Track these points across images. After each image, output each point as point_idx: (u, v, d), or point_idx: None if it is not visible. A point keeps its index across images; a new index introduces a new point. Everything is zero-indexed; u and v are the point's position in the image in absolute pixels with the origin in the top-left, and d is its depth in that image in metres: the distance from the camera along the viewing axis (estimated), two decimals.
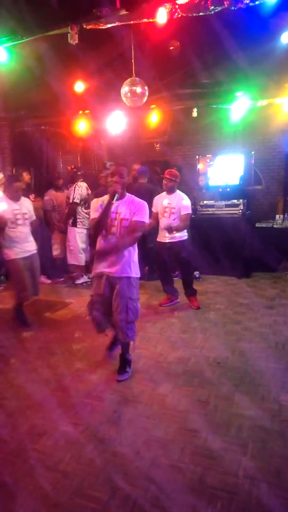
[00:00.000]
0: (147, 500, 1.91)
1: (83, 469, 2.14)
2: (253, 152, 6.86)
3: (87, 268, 6.09)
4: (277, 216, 6.43)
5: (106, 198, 2.96)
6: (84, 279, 5.99)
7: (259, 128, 7.09)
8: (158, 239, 4.69)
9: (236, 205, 6.25)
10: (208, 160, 7.17)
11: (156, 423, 2.51)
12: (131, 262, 3.03)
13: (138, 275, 3.11)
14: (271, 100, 6.11)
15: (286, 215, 6.42)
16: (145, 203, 3.06)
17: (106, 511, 1.87)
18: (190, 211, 4.56)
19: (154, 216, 4.63)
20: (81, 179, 5.93)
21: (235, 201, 6.31)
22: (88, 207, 5.92)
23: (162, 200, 4.61)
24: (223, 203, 6.36)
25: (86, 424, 2.53)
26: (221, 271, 5.97)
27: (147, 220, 3.07)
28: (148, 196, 5.86)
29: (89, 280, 6.02)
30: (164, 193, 4.66)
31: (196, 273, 5.65)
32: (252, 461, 2.14)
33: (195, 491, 1.95)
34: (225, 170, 6.98)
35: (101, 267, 3.03)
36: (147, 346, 3.67)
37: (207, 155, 7.18)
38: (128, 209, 2.99)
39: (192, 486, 1.98)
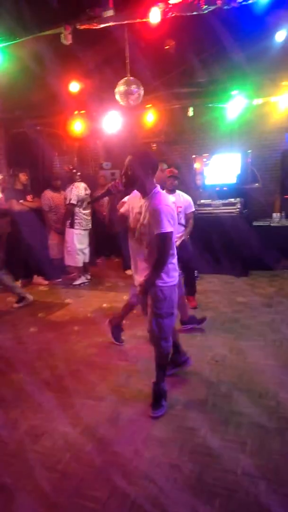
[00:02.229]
0: (146, 499, 1.91)
1: (82, 469, 2.14)
2: (249, 151, 6.88)
3: (85, 269, 6.10)
4: (275, 215, 6.44)
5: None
6: (81, 280, 5.99)
7: (255, 126, 7.10)
8: None
9: (233, 204, 6.26)
10: (204, 159, 7.17)
11: (155, 422, 2.52)
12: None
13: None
14: (266, 99, 6.13)
15: (283, 214, 6.43)
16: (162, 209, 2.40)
17: (105, 511, 1.87)
18: (194, 209, 4.59)
19: None
20: (79, 180, 5.93)
21: (232, 200, 6.32)
22: (86, 208, 5.93)
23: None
24: (220, 202, 6.37)
25: (85, 424, 2.53)
26: (219, 270, 5.98)
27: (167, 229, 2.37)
28: None
29: (87, 281, 6.03)
30: (165, 192, 4.62)
31: (195, 272, 5.65)
32: (250, 458, 2.15)
33: (194, 489, 1.95)
34: (222, 169, 6.98)
35: None
36: (144, 346, 3.66)
37: (204, 154, 7.18)
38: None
39: (191, 484, 1.99)
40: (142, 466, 2.14)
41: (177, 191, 4.59)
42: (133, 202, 2.58)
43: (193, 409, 2.64)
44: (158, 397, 2.65)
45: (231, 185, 6.81)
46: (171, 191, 4.55)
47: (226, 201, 6.34)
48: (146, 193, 2.48)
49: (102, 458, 2.22)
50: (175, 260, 2.59)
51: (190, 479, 2.03)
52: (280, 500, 1.87)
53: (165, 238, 2.38)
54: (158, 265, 2.43)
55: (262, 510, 1.83)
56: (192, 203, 4.59)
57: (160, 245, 2.40)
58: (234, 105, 6.17)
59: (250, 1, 2.97)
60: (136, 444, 2.32)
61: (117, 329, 3.75)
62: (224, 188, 6.76)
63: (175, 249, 2.58)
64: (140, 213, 2.49)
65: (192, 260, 4.69)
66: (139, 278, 2.57)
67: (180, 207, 4.48)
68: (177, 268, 2.63)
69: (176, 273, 2.59)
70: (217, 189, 6.84)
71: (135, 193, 2.58)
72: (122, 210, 2.67)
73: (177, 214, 4.41)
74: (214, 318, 4.31)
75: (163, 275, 2.49)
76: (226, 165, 6.96)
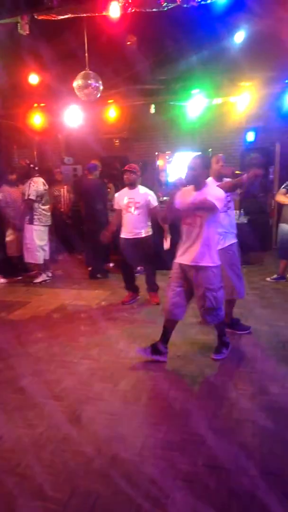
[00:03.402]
0: (108, 498, 1.91)
1: (42, 471, 2.10)
2: (210, 149, 7.02)
3: (46, 266, 5.96)
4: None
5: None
6: (43, 277, 5.85)
7: (215, 125, 7.26)
8: (122, 236, 4.61)
9: None
10: (167, 157, 7.24)
11: (117, 420, 2.52)
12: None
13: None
14: (226, 99, 6.28)
15: (241, 211, 6.63)
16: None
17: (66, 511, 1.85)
18: (156, 204, 4.57)
19: (118, 213, 4.61)
20: (37, 174, 5.78)
21: None
22: (45, 203, 5.78)
23: (124, 196, 4.56)
24: None
25: (46, 425, 2.48)
26: None
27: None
28: (96, 192, 5.85)
29: (48, 278, 5.90)
30: (126, 188, 4.61)
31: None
32: (211, 450, 2.20)
33: (154, 484, 1.97)
34: (184, 167, 7.07)
35: None
36: (108, 343, 3.66)
37: (167, 152, 7.25)
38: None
39: (151, 479, 2.01)
40: (104, 464, 2.13)
41: (140, 187, 4.59)
42: (183, 196, 3.07)
43: (155, 404, 2.67)
44: (220, 345, 3.30)
45: (170, 184, 6.91)
46: (130, 186, 4.54)
47: None
48: (200, 187, 3.05)
49: (63, 458, 2.19)
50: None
51: (152, 474, 2.04)
52: (250, 488, 1.93)
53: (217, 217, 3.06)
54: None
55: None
56: (154, 198, 4.56)
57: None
58: (195, 103, 6.27)
59: (208, 1, 3.01)
60: (98, 443, 2.30)
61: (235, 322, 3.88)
62: (187, 186, 6.85)
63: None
64: (193, 203, 2.99)
65: (154, 256, 4.72)
66: (188, 256, 3.06)
67: (138, 202, 4.47)
68: None
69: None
70: None
71: (185, 189, 3.11)
72: (176, 204, 3.10)
73: (135, 210, 4.45)
74: None
75: (214, 256, 3.05)
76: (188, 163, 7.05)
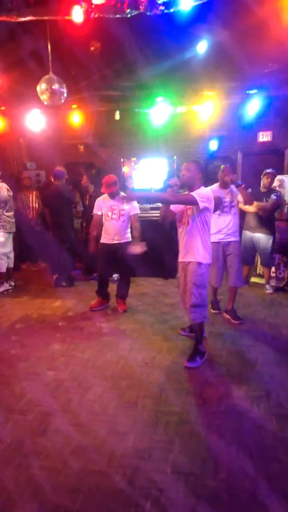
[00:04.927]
0: (76, 511, 1.84)
1: (5, 488, 1.99)
2: (175, 157, 7.12)
3: (8, 275, 5.76)
4: None
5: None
6: (5, 287, 5.64)
7: (180, 133, 7.38)
8: (103, 241, 4.61)
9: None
10: (133, 163, 7.26)
11: (85, 430, 2.45)
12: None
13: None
14: (189, 107, 6.40)
15: None
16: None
17: None
18: (137, 211, 4.62)
19: (98, 219, 4.59)
20: (0, 180, 5.59)
21: (159, 204, 6.45)
22: (9, 210, 5.60)
23: (107, 203, 4.54)
24: (149, 206, 6.48)
25: (8, 441, 2.36)
26: (148, 273, 6.06)
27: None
28: (64, 198, 5.76)
29: (10, 287, 5.70)
30: (106, 195, 4.58)
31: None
32: (181, 455, 2.18)
33: (122, 494, 1.93)
34: (149, 174, 7.12)
35: None
36: (74, 353, 3.57)
37: (132, 158, 7.27)
38: None
39: (119, 489, 1.96)
40: (71, 477, 2.06)
41: (122, 194, 4.56)
42: None
43: (123, 413, 2.62)
44: (194, 353, 3.31)
45: (159, 189, 6.97)
46: (110, 195, 4.54)
47: (154, 206, 6.47)
48: (192, 189, 3.21)
49: (28, 473, 2.09)
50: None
51: (119, 484, 1.99)
52: (218, 492, 1.93)
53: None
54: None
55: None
56: (135, 206, 4.58)
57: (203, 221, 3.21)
58: (159, 111, 6.35)
59: (171, 10, 3.06)
60: (64, 455, 2.22)
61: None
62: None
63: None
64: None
65: (131, 263, 4.68)
66: (185, 254, 3.34)
67: (123, 210, 4.50)
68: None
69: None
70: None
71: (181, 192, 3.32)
72: (173, 208, 3.38)
73: (119, 217, 4.50)
74: (143, 321, 4.35)
75: (203, 254, 3.23)
76: (153, 169, 7.12)
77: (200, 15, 3.93)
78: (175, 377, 3.06)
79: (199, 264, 3.23)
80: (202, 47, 4.61)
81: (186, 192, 3.22)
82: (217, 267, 4.32)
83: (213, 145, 7.57)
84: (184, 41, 4.54)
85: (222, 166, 4.24)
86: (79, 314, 4.62)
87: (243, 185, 4.08)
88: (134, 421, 2.52)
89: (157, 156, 7.18)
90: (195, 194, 3.10)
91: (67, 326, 4.23)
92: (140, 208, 6.43)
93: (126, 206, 4.49)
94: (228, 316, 4.35)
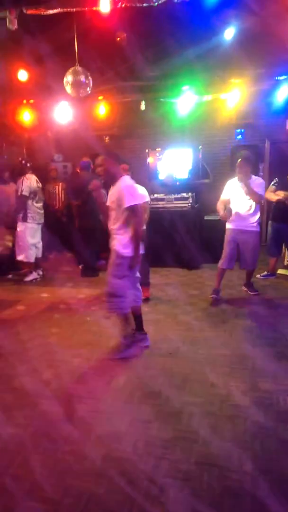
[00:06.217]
0: (101, 496, 1.90)
1: (33, 471, 2.08)
2: (200, 147, 7.02)
3: (36, 264, 5.91)
4: None
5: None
6: (33, 276, 5.80)
7: (206, 122, 7.26)
8: None
9: (185, 199, 6.37)
10: (157, 154, 7.22)
11: (109, 418, 2.51)
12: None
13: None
14: (216, 95, 6.27)
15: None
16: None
17: (59, 511, 1.83)
18: (148, 199, 4.69)
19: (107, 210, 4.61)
20: (30, 171, 5.71)
21: (184, 194, 6.42)
22: (38, 201, 5.73)
23: None
24: (173, 196, 6.45)
25: (37, 425, 2.46)
26: (172, 263, 6.07)
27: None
28: (86, 188, 5.89)
29: (38, 276, 5.85)
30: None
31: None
32: (203, 447, 2.20)
33: (147, 482, 1.97)
34: (174, 164, 7.07)
35: None
36: (99, 341, 3.64)
37: (157, 149, 7.23)
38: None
39: (144, 477, 2.00)
40: (95, 463, 2.12)
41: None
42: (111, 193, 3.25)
43: (147, 402, 2.66)
44: (119, 345, 3.33)
45: (183, 180, 6.92)
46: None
47: (179, 196, 6.44)
48: (113, 182, 3.18)
49: (54, 458, 2.17)
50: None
51: (144, 472, 2.04)
52: (229, 484, 1.94)
53: (132, 209, 3.05)
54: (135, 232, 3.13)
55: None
56: (146, 194, 4.62)
57: (130, 216, 3.07)
58: (185, 100, 6.26)
59: None
60: (90, 442, 2.29)
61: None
62: (177, 183, 6.86)
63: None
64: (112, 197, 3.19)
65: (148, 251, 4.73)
66: (112, 242, 3.23)
67: None
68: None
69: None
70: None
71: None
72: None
73: None
74: (167, 311, 4.38)
75: (124, 246, 3.12)
76: (179, 160, 7.05)
77: (227, 0, 3.84)
78: (199, 369, 3.07)
79: (120, 254, 3.17)
80: (229, 33, 4.49)
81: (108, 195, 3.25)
82: (228, 251, 4.61)
83: (240, 134, 7.41)
84: (210, 28, 4.44)
85: (239, 161, 4.43)
86: (102, 305, 4.69)
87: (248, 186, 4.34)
88: (158, 410, 2.56)
89: (182, 146, 7.10)
90: (128, 200, 3.03)
91: (93, 315, 4.31)
92: (164, 199, 6.46)
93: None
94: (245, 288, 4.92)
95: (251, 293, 4.84)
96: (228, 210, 4.49)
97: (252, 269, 4.78)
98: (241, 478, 1.97)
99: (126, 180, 3.17)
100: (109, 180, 3.24)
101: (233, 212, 4.50)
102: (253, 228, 4.54)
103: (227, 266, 4.64)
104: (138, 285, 3.45)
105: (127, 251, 3.16)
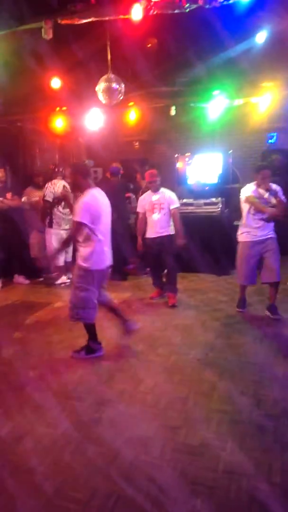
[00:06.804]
0: (124, 498, 1.90)
1: (62, 471, 2.11)
2: (230, 151, 6.95)
3: (66, 268, 6.01)
4: None
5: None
6: (62, 279, 5.90)
7: (236, 127, 7.19)
8: (147, 235, 4.83)
9: (215, 204, 6.30)
10: (187, 159, 7.21)
11: (137, 422, 2.51)
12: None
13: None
14: (247, 100, 6.21)
15: None
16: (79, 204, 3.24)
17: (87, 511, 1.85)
18: (178, 205, 4.81)
19: (142, 217, 4.83)
20: (60, 177, 5.83)
21: (213, 199, 6.36)
22: (65, 207, 5.83)
23: (150, 198, 4.78)
24: (202, 201, 6.40)
25: (66, 425, 2.49)
26: (200, 269, 6.01)
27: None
28: (121, 193, 6.02)
29: (68, 280, 5.95)
30: (149, 192, 4.84)
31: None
32: (231, 456, 2.16)
33: (175, 488, 1.96)
34: (203, 169, 7.03)
35: None
36: (127, 345, 3.66)
37: (186, 154, 7.22)
38: None
39: (171, 482, 1.99)
40: (123, 467, 2.13)
41: (162, 189, 4.77)
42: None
43: (174, 407, 2.64)
44: (83, 347, 3.46)
45: (213, 184, 6.87)
46: (154, 190, 4.77)
47: (208, 201, 6.38)
48: (83, 191, 3.27)
49: (83, 459, 2.20)
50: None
51: (171, 478, 2.03)
52: (262, 495, 1.90)
53: (76, 225, 3.19)
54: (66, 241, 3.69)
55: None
56: (175, 199, 4.76)
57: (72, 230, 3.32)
58: (215, 105, 6.22)
59: (231, 1, 2.98)
60: (117, 445, 2.30)
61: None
62: (206, 188, 6.81)
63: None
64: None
65: (173, 257, 4.75)
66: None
67: (163, 203, 4.70)
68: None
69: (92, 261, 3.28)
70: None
71: None
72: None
73: (160, 211, 4.70)
74: (195, 317, 4.34)
75: (85, 259, 3.25)
76: (208, 164, 7.01)
77: (260, 3, 3.80)
78: (228, 376, 3.02)
79: (80, 267, 3.28)
80: (261, 37, 4.44)
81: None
82: (249, 265, 4.26)
83: (271, 138, 7.28)
84: (242, 32, 4.42)
85: (264, 170, 4.21)
86: (131, 308, 4.72)
87: (278, 199, 4.03)
88: (186, 416, 2.54)
89: (212, 151, 7.06)
90: (76, 215, 3.17)
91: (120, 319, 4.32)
92: (193, 204, 6.43)
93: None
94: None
95: (273, 317, 4.16)
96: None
97: (278, 281, 4.19)
98: (270, 490, 1.92)
99: (87, 195, 3.23)
100: (77, 192, 3.39)
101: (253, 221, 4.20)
102: (273, 235, 4.23)
103: (250, 281, 4.36)
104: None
105: (87, 265, 3.26)
